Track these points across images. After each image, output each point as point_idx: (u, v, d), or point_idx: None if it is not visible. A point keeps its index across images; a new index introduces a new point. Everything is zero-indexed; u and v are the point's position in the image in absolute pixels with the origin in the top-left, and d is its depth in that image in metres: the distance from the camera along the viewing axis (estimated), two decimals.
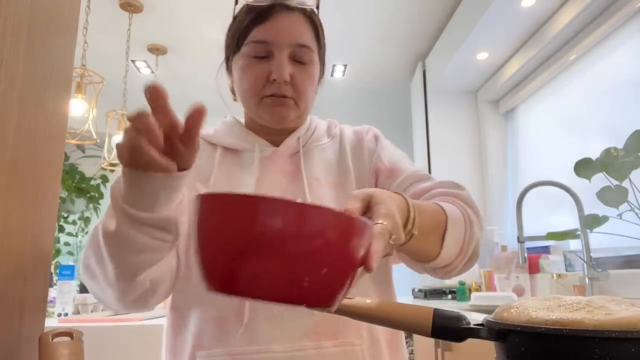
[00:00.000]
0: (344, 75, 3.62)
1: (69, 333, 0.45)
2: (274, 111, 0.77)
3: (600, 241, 1.92)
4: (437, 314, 0.51)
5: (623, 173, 1.51)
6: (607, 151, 1.57)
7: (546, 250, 2.27)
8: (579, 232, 1.78)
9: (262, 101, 0.77)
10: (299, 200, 0.39)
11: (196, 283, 0.65)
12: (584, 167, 1.63)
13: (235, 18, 0.80)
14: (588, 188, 1.64)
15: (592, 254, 1.79)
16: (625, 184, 1.52)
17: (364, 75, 3.62)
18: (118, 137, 2.77)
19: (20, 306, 0.45)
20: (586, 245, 1.78)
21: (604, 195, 1.56)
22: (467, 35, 2.54)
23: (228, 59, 0.82)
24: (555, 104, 2.53)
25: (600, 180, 1.57)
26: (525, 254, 1.88)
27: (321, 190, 0.80)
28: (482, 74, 2.98)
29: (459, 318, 0.51)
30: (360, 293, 0.70)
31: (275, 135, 0.82)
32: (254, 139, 0.82)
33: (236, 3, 0.80)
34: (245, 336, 0.69)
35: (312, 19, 0.78)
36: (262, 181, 0.78)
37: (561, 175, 2.31)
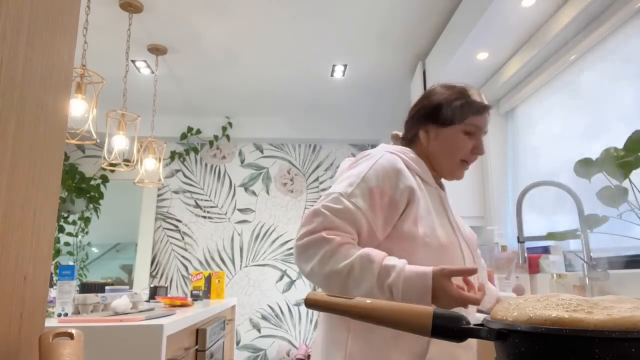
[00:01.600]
0: (344, 75, 3.62)
1: (69, 333, 0.45)
2: (462, 173, 1.19)
3: (600, 241, 1.92)
4: (437, 314, 0.52)
5: (623, 173, 1.50)
6: (607, 151, 1.57)
7: (546, 250, 2.27)
8: (579, 232, 1.78)
9: (460, 164, 1.17)
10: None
11: None
12: (584, 167, 1.63)
13: (454, 101, 1.17)
14: (588, 188, 1.64)
15: (592, 254, 1.79)
16: (625, 184, 1.52)
17: (364, 75, 3.62)
18: (118, 137, 2.78)
19: (20, 306, 0.45)
20: (586, 245, 1.78)
21: (604, 195, 1.56)
22: (467, 35, 2.54)
23: (434, 122, 1.17)
24: (555, 104, 2.53)
25: (600, 180, 1.57)
26: (525, 254, 1.88)
27: (460, 226, 1.17)
28: (482, 74, 2.98)
29: (459, 318, 0.52)
30: None
31: (435, 176, 1.19)
32: (432, 177, 1.17)
33: (462, 94, 1.19)
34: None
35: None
36: (450, 213, 1.16)
37: (561, 175, 2.31)
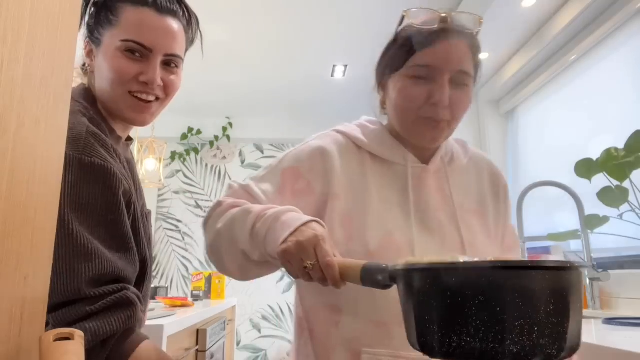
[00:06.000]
0: (344, 75, 3.62)
1: (69, 334, 0.45)
2: (428, 133, 0.81)
3: (601, 241, 1.92)
4: (365, 267, 0.61)
5: (623, 173, 1.50)
6: (608, 151, 1.56)
7: (547, 250, 2.27)
8: (579, 233, 1.78)
9: (418, 121, 0.81)
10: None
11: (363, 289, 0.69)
12: (584, 167, 1.63)
13: (396, 39, 0.85)
14: (588, 188, 1.64)
15: (592, 254, 1.79)
16: (626, 184, 1.52)
17: (364, 75, 3.61)
18: None
19: (20, 306, 0.45)
20: (587, 245, 1.78)
21: (604, 195, 1.56)
22: None
23: (382, 76, 0.89)
24: (555, 104, 2.53)
25: (601, 180, 1.57)
26: (526, 254, 1.88)
27: (466, 216, 0.86)
28: (482, 74, 2.98)
29: (383, 270, 0.60)
30: None
31: (419, 149, 0.87)
32: (404, 152, 0.86)
33: (400, 24, 0.85)
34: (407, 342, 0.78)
35: (473, 42, 0.82)
36: (418, 200, 0.84)
37: (561, 175, 2.31)
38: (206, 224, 0.83)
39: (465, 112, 0.81)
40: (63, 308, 0.67)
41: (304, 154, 0.86)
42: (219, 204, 0.82)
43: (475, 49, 0.82)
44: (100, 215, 0.72)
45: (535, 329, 0.44)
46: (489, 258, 0.52)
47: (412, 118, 0.81)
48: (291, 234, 0.65)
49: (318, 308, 0.83)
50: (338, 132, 0.92)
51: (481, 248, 0.84)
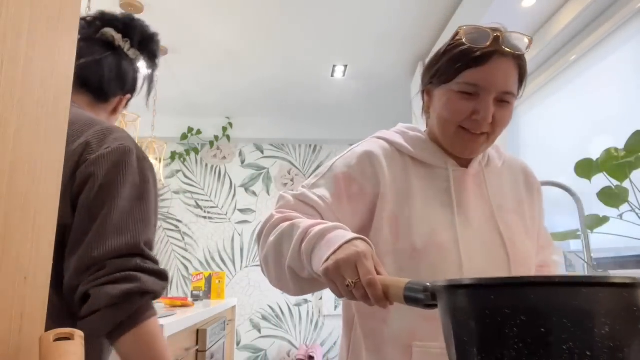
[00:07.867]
0: (344, 75, 3.62)
1: (69, 333, 0.45)
2: (466, 145, 0.86)
3: (601, 241, 1.92)
4: (407, 286, 0.58)
5: (623, 173, 1.50)
6: (608, 151, 1.56)
7: None
8: (579, 233, 1.78)
9: (458, 132, 0.85)
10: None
11: None
12: (584, 167, 1.63)
13: (446, 52, 0.87)
14: (588, 188, 1.64)
15: (592, 255, 1.79)
16: (626, 184, 1.52)
17: (364, 75, 3.61)
18: None
19: (20, 306, 0.45)
20: (587, 245, 1.78)
21: (604, 195, 1.56)
22: None
23: (429, 84, 0.92)
24: (555, 104, 2.53)
25: (601, 180, 1.57)
26: None
27: (504, 215, 0.90)
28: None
29: (425, 289, 0.56)
30: None
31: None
32: (445, 157, 0.91)
33: (453, 38, 0.87)
34: None
35: (520, 63, 0.87)
36: (459, 201, 0.88)
37: (561, 175, 2.31)
38: (259, 238, 0.85)
39: (505, 127, 0.86)
40: (120, 258, 0.77)
41: (352, 159, 0.90)
42: (270, 217, 0.83)
43: (522, 68, 0.88)
44: (154, 194, 0.89)
45: (588, 354, 0.39)
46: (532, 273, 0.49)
47: (453, 129, 0.86)
48: (333, 253, 0.64)
49: (367, 307, 0.86)
50: (380, 138, 0.95)
51: (520, 246, 0.87)
